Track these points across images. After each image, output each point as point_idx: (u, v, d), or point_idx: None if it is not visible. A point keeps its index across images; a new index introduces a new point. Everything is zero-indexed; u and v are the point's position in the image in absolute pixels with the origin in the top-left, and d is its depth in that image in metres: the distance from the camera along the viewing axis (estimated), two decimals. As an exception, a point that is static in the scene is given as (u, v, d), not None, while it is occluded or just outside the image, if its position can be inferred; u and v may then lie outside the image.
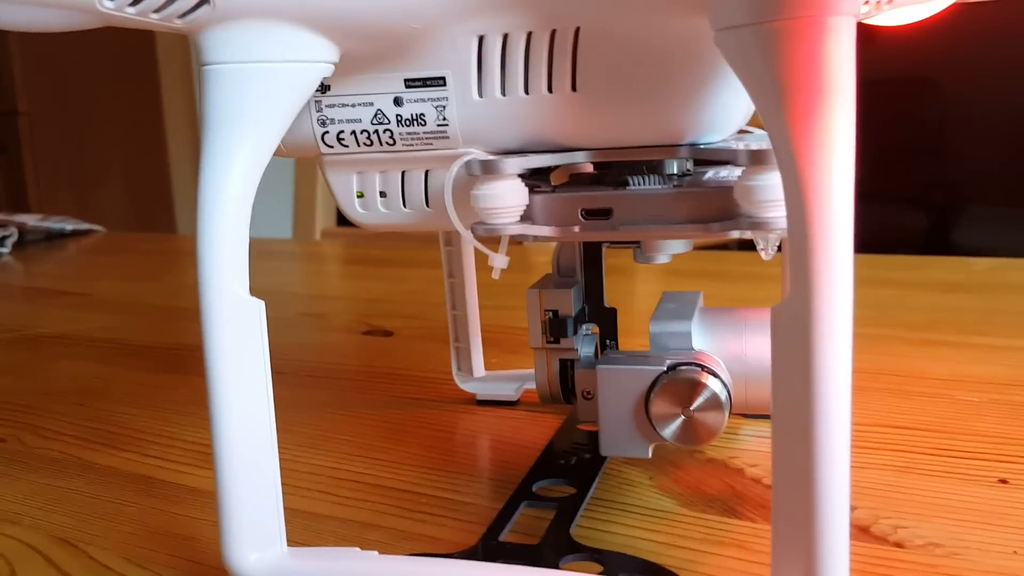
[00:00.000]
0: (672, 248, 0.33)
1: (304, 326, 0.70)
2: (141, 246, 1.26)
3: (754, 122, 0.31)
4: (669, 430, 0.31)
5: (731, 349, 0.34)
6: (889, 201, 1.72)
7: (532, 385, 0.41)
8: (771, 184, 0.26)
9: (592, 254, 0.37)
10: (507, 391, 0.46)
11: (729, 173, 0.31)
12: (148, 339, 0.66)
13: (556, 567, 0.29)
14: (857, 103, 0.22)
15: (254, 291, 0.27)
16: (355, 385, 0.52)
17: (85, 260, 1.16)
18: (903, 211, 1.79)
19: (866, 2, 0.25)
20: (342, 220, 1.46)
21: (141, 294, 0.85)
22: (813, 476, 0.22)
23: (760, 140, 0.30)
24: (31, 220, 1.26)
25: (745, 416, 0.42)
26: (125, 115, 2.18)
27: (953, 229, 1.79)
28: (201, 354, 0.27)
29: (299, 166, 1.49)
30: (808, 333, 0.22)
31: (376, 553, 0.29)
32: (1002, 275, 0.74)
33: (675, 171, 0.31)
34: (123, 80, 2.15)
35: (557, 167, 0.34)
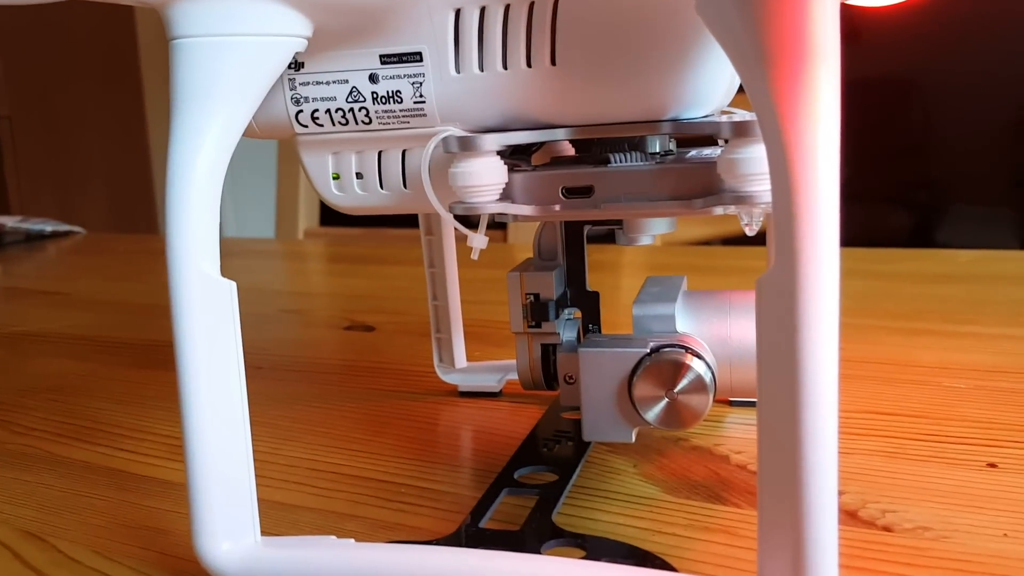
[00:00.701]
0: (655, 228, 0.32)
1: (285, 322, 0.69)
2: (121, 247, 1.24)
3: (742, 106, 0.30)
4: (653, 413, 0.31)
5: (715, 332, 0.33)
6: (874, 201, 1.73)
7: (515, 376, 0.40)
8: (755, 157, 0.26)
9: (574, 236, 0.36)
10: (489, 382, 0.46)
11: (712, 152, 0.31)
12: (126, 336, 0.65)
13: (538, 552, 0.28)
14: (842, 104, 0.22)
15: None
16: (335, 379, 0.51)
17: (65, 261, 1.15)
18: (888, 211, 1.79)
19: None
20: (325, 220, 1.45)
21: (120, 293, 0.84)
22: (800, 453, 0.21)
23: (744, 117, 0.30)
24: (11, 221, 1.24)
25: (731, 404, 0.42)
26: (107, 119, 2.16)
27: (937, 228, 1.80)
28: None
29: (281, 166, 1.48)
30: (794, 302, 0.21)
31: (352, 541, 0.28)
32: (987, 266, 0.74)
33: (657, 150, 0.30)
34: (106, 84, 2.13)
35: (538, 147, 0.33)
